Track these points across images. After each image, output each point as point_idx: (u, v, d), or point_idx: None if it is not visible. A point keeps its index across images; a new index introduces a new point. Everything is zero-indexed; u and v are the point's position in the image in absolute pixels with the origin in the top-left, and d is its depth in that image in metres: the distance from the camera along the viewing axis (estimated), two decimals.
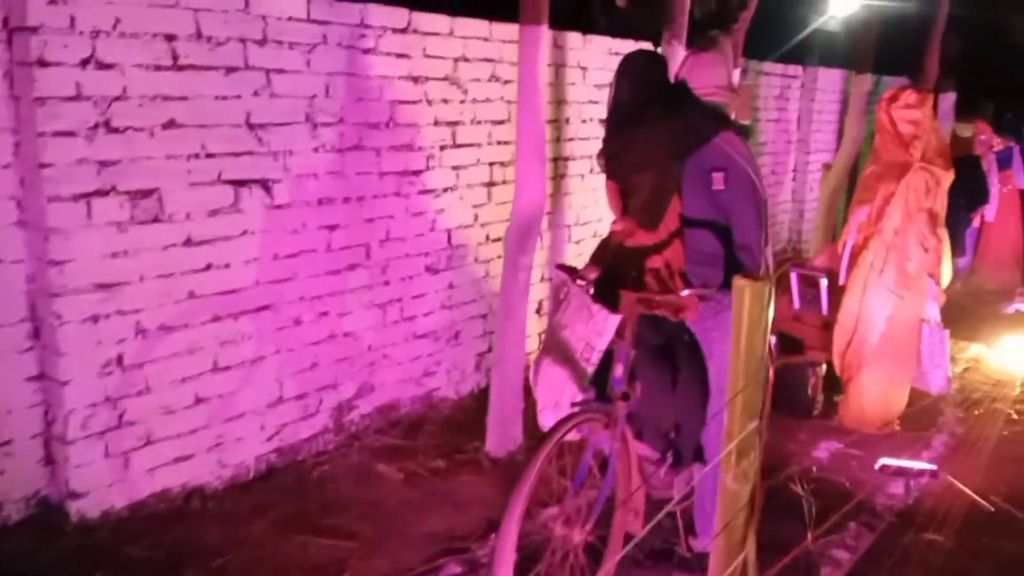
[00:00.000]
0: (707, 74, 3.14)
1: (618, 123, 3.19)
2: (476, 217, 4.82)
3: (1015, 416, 5.22)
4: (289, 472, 3.92)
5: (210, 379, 3.59)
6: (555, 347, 3.00)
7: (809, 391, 5.00)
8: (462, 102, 4.61)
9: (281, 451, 3.94)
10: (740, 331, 2.12)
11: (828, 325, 4.98)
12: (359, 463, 4.07)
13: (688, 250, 3.14)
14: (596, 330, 2.87)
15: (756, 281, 2.08)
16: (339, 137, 3.96)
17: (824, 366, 5.08)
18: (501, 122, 4.86)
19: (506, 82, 4.83)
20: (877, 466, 4.05)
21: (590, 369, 2.90)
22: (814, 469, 4.29)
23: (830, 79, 9.37)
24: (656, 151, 3.09)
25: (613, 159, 3.21)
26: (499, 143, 4.86)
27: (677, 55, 4.86)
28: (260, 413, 3.82)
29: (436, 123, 4.47)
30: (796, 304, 5.20)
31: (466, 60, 4.59)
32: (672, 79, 3.24)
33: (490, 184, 4.86)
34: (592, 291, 2.97)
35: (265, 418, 3.84)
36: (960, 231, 7.73)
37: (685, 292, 2.93)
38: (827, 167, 7.54)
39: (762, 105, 8.37)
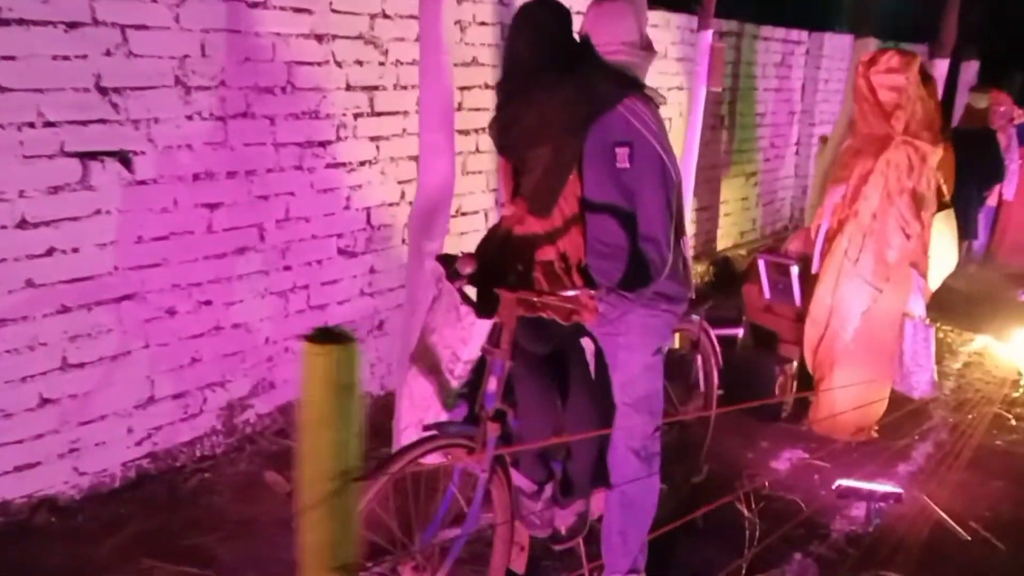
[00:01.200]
0: (611, 28, 2.60)
1: (510, 89, 2.65)
2: (403, 194, 4.32)
3: (1013, 422, 4.64)
4: (163, 481, 3.49)
5: (58, 378, 3.15)
6: (422, 355, 2.52)
7: (776, 390, 4.46)
8: (382, 64, 4.09)
9: (155, 456, 3.50)
10: (311, 420, 1.27)
11: (802, 317, 4.44)
12: (247, 471, 3.63)
13: (590, 240, 2.61)
14: (462, 336, 2.38)
15: (333, 345, 1.24)
16: (220, 103, 3.47)
17: (795, 363, 4.54)
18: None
19: None
20: (834, 487, 3.52)
21: (455, 383, 2.41)
22: (767, 484, 3.77)
23: (838, 45, 8.66)
24: (550, 121, 2.55)
25: (504, 131, 2.68)
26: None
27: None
28: (126, 415, 3.38)
29: (349, 88, 3.97)
30: (767, 294, 4.65)
31: (386, 16, 4.06)
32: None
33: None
34: (464, 288, 2.46)
35: (133, 420, 3.40)
36: (972, 211, 7.08)
37: (571, 292, 2.41)
38: (824, 140, 6.89)
39: (760, 73, 7.72)
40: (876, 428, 4.29)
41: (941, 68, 7.87)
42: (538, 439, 2.57)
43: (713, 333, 4.78)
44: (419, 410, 2.48)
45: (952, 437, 4.37)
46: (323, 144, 3.89)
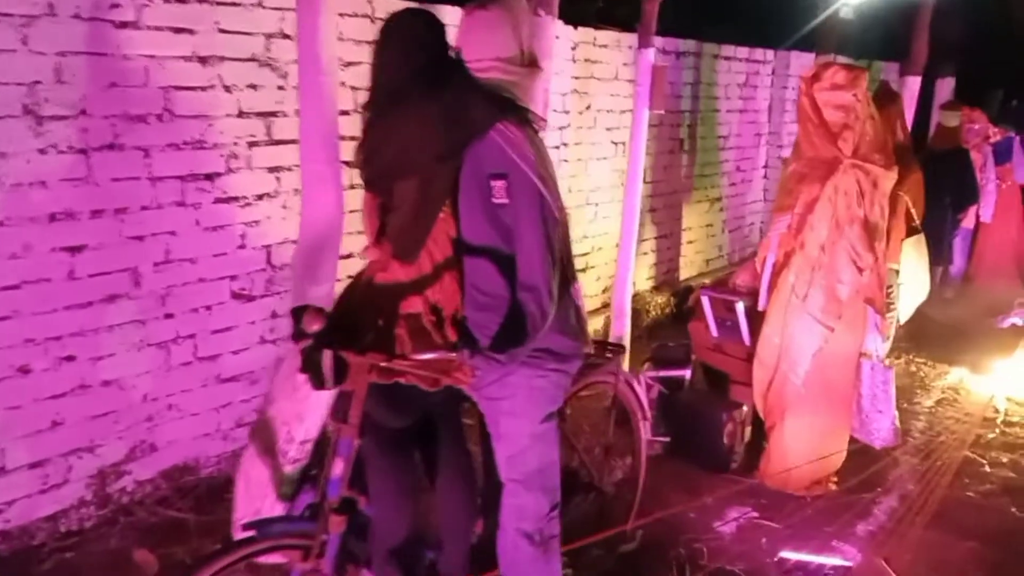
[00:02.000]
0: (482, 41, 2.22)
1: (375, 111, 2.28)
2: None
3: (987, 468, 4.24)
4: (16, 561, 3.07)
5: None
6: (260, 432, 2.12)
7: (725, 439, 4.06)
8: (281, 88, 3.72)
9: (7, 535, 3.08)
10: None
11: (753, 357, 4.05)
12: (117, 548, 3.19)
13: (467, 288, 2.23)
14: (298, 411, 1.98)
15: None
16: (80, 134, 3.09)
17: (745, 408, 4.14)
18: (344, 112, 3.96)
19: (348, 64, 3.94)
20: (776, 559, 3.11)
21: (289, 468, 2.01)
22: (706, 551, 3.36)
23: (806, 64, 8.33)
24: (417, 149, 2.18)
25: (368, 161, 2.30)
26: (343, 138, 3.97)
27: (548, 31, 3.91)
28: None
29: (241, 114, 3.59)
30: (714, 332, 4.26)
31: (285, 36, 3.70)
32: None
33: None
34: (311, 349, 2.07)
35: None
36: (945, 235, 6.74)
37: (429, 355, 2.02)
38: (785, 162, 6.52)
39: (723, 94, 7.39)
40: (834, 480, 3.89)
41: (913, 86, 7.56)
42: (397, 532, 2.16)
43: (652, 376, 4.42)
44: (255, 499, 2.08)
45: (919, 488, 3.97)
46: (210, 177, 3.51)
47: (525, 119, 2.20)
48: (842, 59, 6.82)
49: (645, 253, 6.70)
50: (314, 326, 2.08)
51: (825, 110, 3.50)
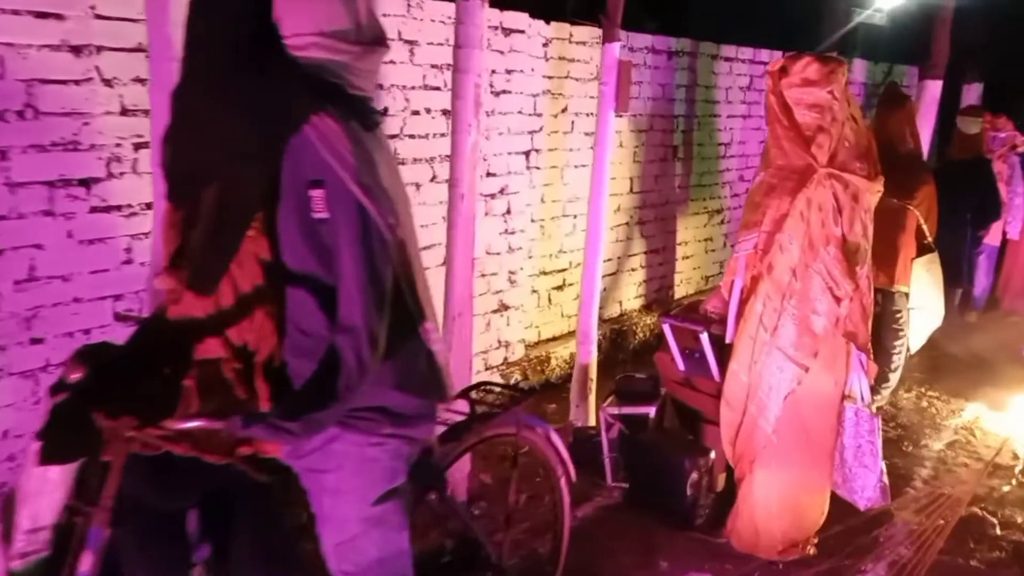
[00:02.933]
0: (302, 11, 1.73)
1: (183, 101, 1.82)
2: None
3: (997, 529, 3.65)
4: None
5: None
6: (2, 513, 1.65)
7: (688, 490, 3.52)
8: None
9: None
10: None
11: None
12: None
13: (289, 328, 1.75)
14: (25, 491, 1.51)
15: None
16: None
17: (713, 454, 3.60)
18: None
19: None
20: None
21: (17, 564, 1.54)
22: None
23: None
24: (221, 147, 1.72)
25: (170, 165, 1.83)
26: None
27: (476, 16, 3.38)
28: None
29: (125, 112, 3.15)
30: (680, 365, 3.73)
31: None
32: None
33: None
34: (56, 407, 1.60)
35: None
36: (964, 254, 6.10)
37: (188, 424, 1.54)
38: None
39: (724, 97, 6.85)
40: (813, 543, 3.34)
41: (933, 90, 6.93)
42: None
43: (613, 414, 3.90)
44: None
45: (914, 553, 3.39)
46: (86, 183, 3.07)
47: (355, 112, 1.71)
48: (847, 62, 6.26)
49: (634, 269, 6.18)
50: (73, 375, 1.61)
51: (796, 110, 2.96)
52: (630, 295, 6.19)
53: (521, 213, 4.97)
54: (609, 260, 5.92)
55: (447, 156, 4.41)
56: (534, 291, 5.33)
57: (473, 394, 2.43)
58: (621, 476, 3.85)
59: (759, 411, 3.20)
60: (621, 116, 5.22)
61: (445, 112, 4.33)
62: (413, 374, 1.75)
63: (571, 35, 5.27)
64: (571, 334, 5.55)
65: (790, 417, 3.17)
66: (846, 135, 2.97)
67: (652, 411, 3.84)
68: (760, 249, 3.09)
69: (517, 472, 2.49)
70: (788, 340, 3.09)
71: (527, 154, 5.05)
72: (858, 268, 3.02)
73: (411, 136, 4.19)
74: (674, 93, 6.21)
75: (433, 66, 4.25)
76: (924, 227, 5.04)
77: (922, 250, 5.09)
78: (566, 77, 5.28)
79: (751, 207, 3.16)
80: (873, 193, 3.04)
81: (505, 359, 5.03)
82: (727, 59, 6.80)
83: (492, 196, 4.73)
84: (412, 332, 1.74)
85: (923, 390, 5.34)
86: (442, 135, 4.34)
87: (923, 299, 5.13)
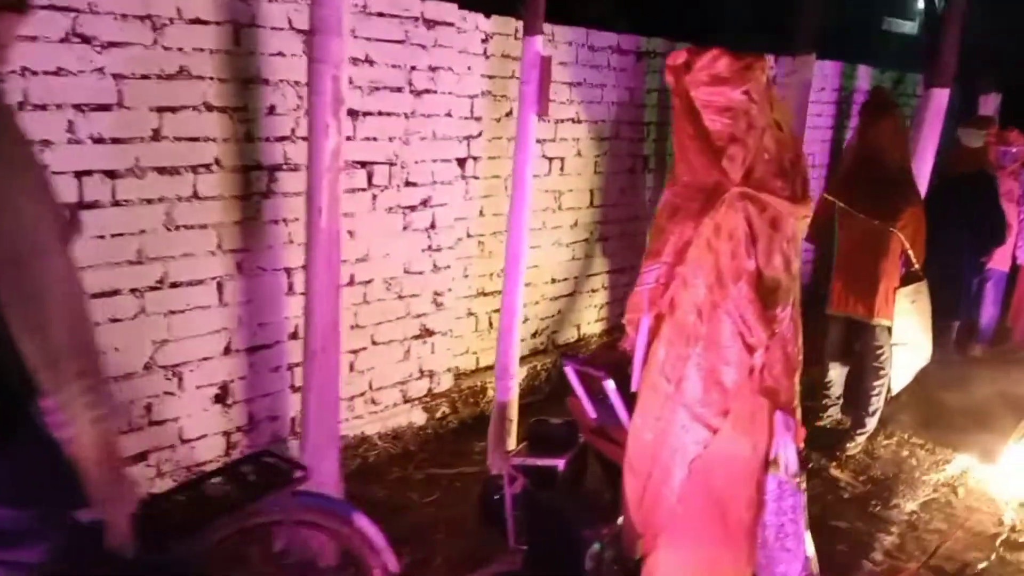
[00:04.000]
0: None
1: None
2: None
3: None
4: None
5: None
6: None
7: (588, 562, 2.96)
8: None
9: None
10: None
11: None
12: None
13: None
14: None
15: None
16: None
17: (620, 521, 3.04)
18: (106, 107, 3.06)
19: (105, 45, 3.04)
20: None
21: None
22: None
23: (822, 72, 7.16)
24: None
25: None
26: (95, 140, 3.06)
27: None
28: None
29: None
30: (590, 413, 3.19)
31: None
32: None
33: (81, 204, 3.06)
34: None
35: None
36: (963, 282, 5.46)
37: None
38: None
39: None
40: None
41: (940, 99, 6.27)
42: None
43: (517, 465, 3.38)
44: None
45: None
46: None
47: None
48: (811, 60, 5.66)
49: (594, 290, 5.63)
50: None
51: (705, 115, 2.41)
52: (589, 318, 5.64)
53: (450, 228, 4.46)
54: (565, 280, 5.40)
55: (356, 162, 3.96)
56: (471, 314, 4.81)
57: (245, 467, 1.92)
58: (522, 539, 3.32)
59: (663, 477, 2.65)
60: (546, 120, 4.70)
61: (351, 112, 3.84)
62: (16, 472, 1.24)
63: (517, 31, 4.75)
64: (529, 358, 5.05)
65: (699, 486, 2.61)
66: (766, 146, 2.41)
67: (561, 464, 3.30)
68: (661, 283, 2.54)
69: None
70: (694, 395, 2.53)
71: (462, 162, 4.54)
72: (778, 310, 2.46)
73: (306, 139, 3.69)
74: (644, 98, 5.65)
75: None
76: (910, 252, 4.46)
77: (907, 279, 4.52)
78: (511, 77, 4.76)
79: (655, 232, 2.61)
80: (799, 218, 2.47)
81: (429, 390, 4.51)
82: None
83: (412, 208, 4.22)
84: (13, 417, 1.23)
85: (906, 436, 4.73)
86: (347, 138, 3.84)
87: (907, 334, 4.55)
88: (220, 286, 3.50)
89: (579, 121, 5.21)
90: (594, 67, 5.23)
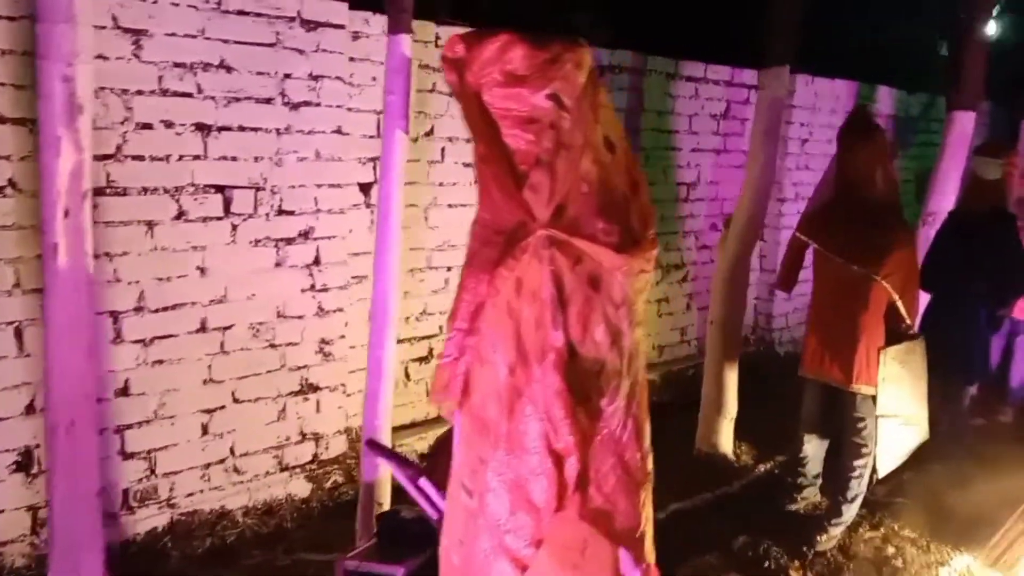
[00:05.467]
0: None
1: None
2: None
3: None
4: None
5: None
6: None
7: None
8: None
9: None
10: None
11: None
12: None
13: None
14: None
15: None
16: None
17: None
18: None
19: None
20: None
21: None
22: None
23: (823, 92, 6.38)
24: None
25: None
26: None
27: None
28: None
29: None
30: (432, 514, 2.48)
31: None
32: None
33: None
34: None
35: None
36: (975, 338, 4.53)
37: None
38: (727, 223, 4.59)
39: (687, 127, 5.55)
40: None
41: (964, 123, 5.46)
42: None
43: (352, 570, 2.69)
44: None
45: None
46: None
47: None
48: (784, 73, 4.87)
49: None
50: None
51: (503, 127, 1.71)
52: None
53: (342, 264, 3.81)
54: None
55: (208, 186, 3.35)
56: None
57: None
58: None
59: None
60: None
61: (199, 126, 3.23)
62: None
63: (437, 37, 4.12)
64: (440, 419, 4.34)
65: None
66: (583, 173, 1.70)
67: (399, 573, 2.60)
68: (454, 358, 1.83)
69: None
70: (498, 515, 1.81)
71: (365, 188, 3.91)
72: (603, 402, 1.73)
73: (137, 158, 3.09)
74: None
75: (177, 64, 3.15)
76: (899, 304, 3.68)
77: (897, 338, 3.72)
78: (431, 91, 4.12)
79: (459, 291, 1.91)
80: (632, 274, 1.74)
81: (315, 456, 3.84)
82: (692, 79, 5.51)
83: (288, 241, 3.59)
84: None
85: (895, 528, 3.88)
86: (195, 157, 3.24)
87: (897, 404, 3.75)
88: None
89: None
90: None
